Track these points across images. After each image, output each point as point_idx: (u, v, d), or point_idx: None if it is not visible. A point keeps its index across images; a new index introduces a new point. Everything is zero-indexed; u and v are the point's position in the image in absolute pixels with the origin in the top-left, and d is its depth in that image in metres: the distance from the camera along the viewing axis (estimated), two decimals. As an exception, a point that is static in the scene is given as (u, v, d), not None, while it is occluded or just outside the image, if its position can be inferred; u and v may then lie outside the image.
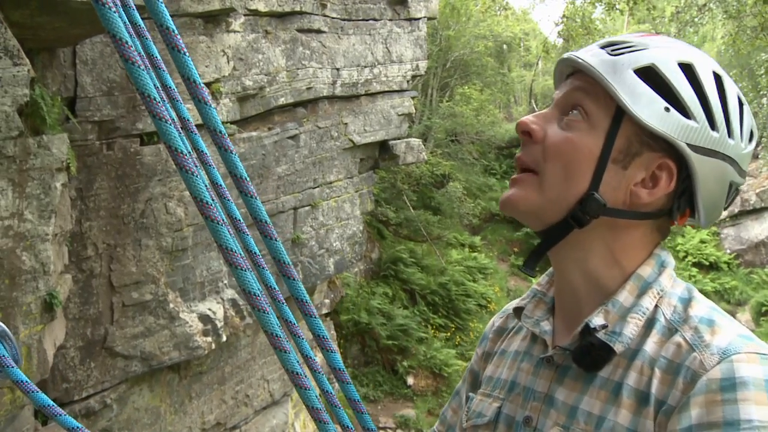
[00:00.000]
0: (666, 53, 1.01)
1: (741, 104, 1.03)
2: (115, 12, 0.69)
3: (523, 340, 1.19)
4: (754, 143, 1.05)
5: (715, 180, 1.01)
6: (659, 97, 0.98)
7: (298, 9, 7.31)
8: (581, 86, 1.04)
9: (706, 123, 0.99)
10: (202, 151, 0.86)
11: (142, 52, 0.83)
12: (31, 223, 3.94)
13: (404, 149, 10.03)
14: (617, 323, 0.99)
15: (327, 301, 10.25)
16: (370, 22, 8.85)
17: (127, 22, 0.82)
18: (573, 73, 1.09)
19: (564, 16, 14.53)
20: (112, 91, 5.18)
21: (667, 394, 0.91)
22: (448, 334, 13.78)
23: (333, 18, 8.08)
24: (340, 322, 12.03)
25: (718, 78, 1.02)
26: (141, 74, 0.71)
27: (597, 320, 1.00)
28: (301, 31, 7.50)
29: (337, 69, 8.23)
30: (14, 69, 3.69)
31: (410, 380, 12.53)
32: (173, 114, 0.83)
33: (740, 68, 16.74)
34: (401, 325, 12.71)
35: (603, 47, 1.05)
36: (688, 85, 0.99)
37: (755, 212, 18.26)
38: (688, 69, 1.00)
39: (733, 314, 16.86)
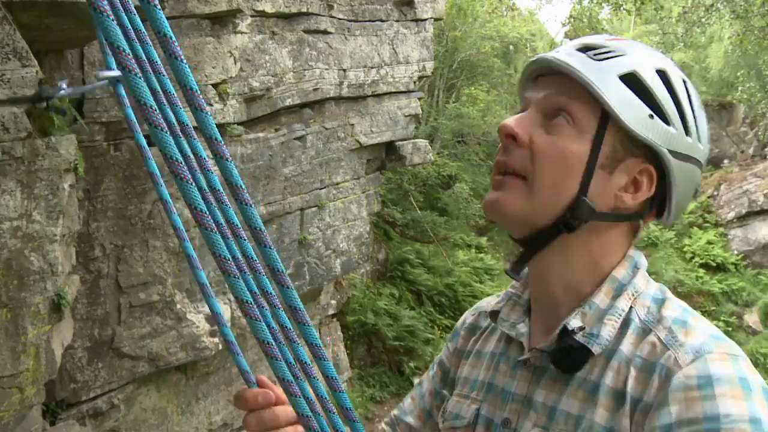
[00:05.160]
0: (643, 60, 1.02)
1: (701, 109, 1.06)
2: (113, 20, 0.69)
3: (498, 342, 1.19)
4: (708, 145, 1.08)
5: (688, 183, 1.05)
6: (643, 103, 0.99)
7: (304, 10, 7.33)
8: (565, 90, 1.02)
9: (682, 129, 1.01)
10: (201, 157, 0.86)
11: (143, 57, 0.84)
12: (39, 224, 3.96)
13: (411, 150, 10.02)
14: (594, 325, 1.01)
15: (333, 302, 10.25)
16: (377, 23, 8.85)
17: (128, 26, 0.82)
18: (544, 74, 1.07)
19: (571, 16, 14.52)
20: (120, 92, 5.21)
21: (643, 391, 0.92)
22: (455, 335, 13.75)
23: (339, 19, 8.09)
24: (346, 323, 12.01)
25: (685, 84, 1.04)
26: (136, 81, 0.71)
27: (574, 322, 1.01)
28: (307, 32, 7.51)
29: (344, 70, 8.24)
30: (23, 70, 3.71)
31: (417, 381, 12.50)
32: (173, 119, 0.84)
33: (748, 69, 16.67)
34: (408, 326, 12.67)
35: (581, 50, 1.03)
36: (666, 91, 1.01)
37: (763, 213, 18.12)
38: (663, 76, 1.01)
39: (740, 316, 16.80)
